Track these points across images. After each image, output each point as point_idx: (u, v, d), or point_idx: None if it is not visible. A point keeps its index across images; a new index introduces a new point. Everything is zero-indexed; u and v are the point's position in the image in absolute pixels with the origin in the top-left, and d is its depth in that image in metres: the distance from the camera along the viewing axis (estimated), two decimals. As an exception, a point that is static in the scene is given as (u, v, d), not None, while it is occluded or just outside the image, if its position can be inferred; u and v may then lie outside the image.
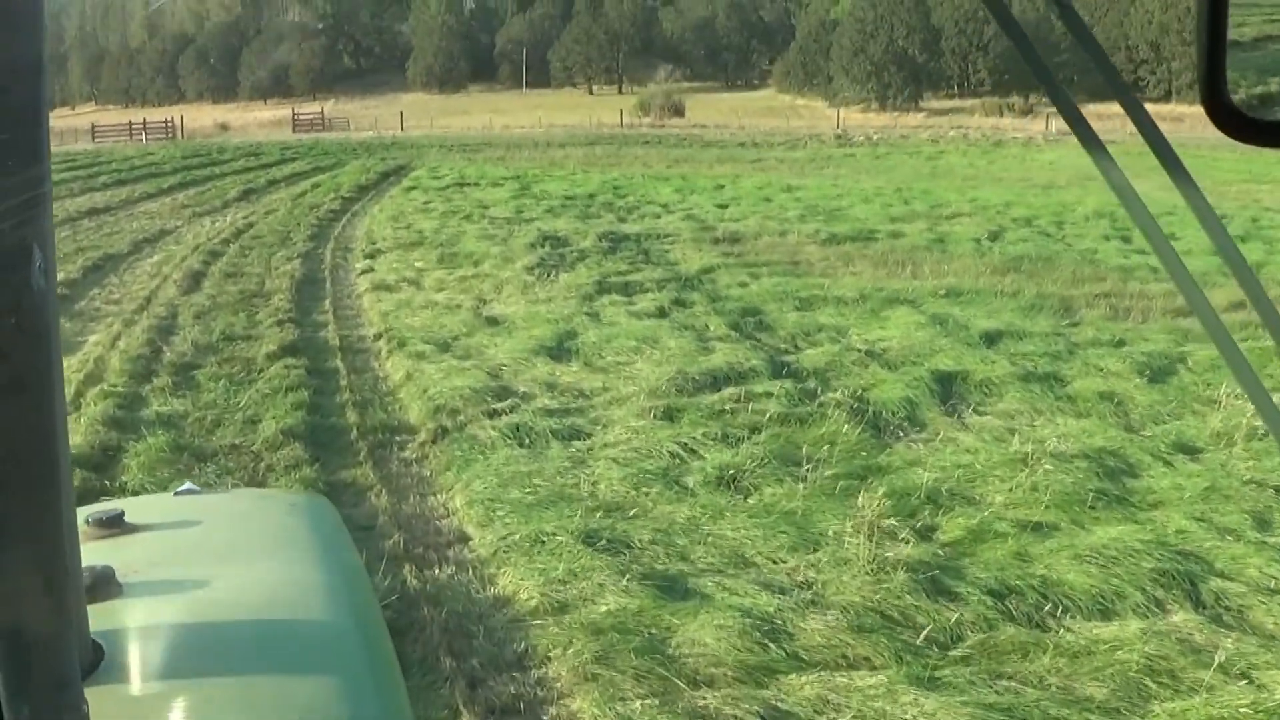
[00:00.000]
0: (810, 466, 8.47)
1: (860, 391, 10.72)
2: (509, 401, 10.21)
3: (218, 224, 23.76)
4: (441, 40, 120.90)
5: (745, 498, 8.01)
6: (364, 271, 17.67)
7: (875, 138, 59.92)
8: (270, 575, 2.13)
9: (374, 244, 20.39)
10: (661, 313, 14.24)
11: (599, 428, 9.57)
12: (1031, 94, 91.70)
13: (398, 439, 9.64)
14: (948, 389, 10.84)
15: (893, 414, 10.03)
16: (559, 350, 12.37)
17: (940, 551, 7.10)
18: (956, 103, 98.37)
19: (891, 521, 7.45)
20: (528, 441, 9.18)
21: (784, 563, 6.96)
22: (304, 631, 1.93)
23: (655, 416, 9.74)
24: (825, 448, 8.90)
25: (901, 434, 9.66)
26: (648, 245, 20.32)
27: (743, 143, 58.56)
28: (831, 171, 40.29)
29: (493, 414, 9.88)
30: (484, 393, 10.51)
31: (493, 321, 13.84)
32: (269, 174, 36.19)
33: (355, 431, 9.73)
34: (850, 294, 15.28)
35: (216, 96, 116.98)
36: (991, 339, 12.75)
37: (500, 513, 7.70)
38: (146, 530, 2.29)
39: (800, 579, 6.74)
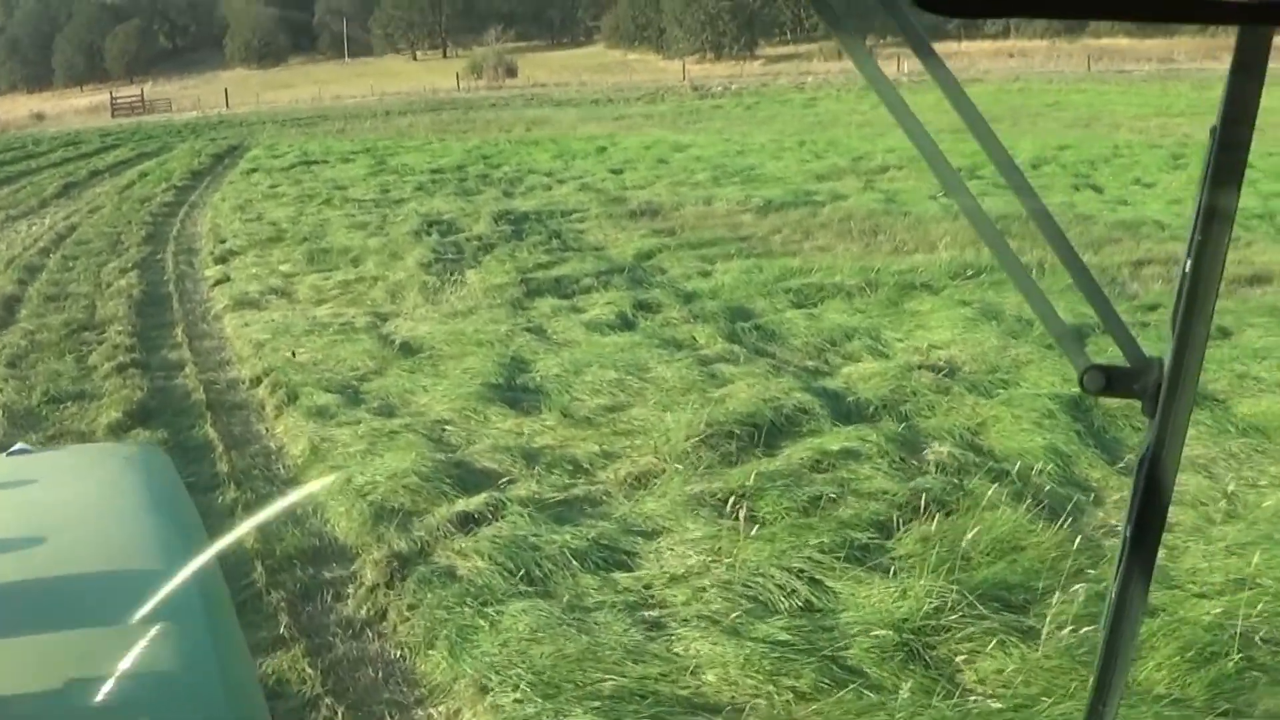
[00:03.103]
0: (1021, 604, 5.28)
1: (972, 436, 7.58)
2: (483, 495, 6.78)
3: (34, 229, 19.34)
4: (258, 13, 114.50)
5: (957, 686, 4.76)
6: (218, 282, 13.85)
7: (733, 88, 56.71)
8: (105, 529, 2.28)
9: (223, 242, 16.47)
10: (625, 323, 10.88)
11: (641, 540, 6.20)
12: (869, 35, 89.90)
13: (327, 576, 6.14)
14: (1085, 424, 7.74)
15: (1048, 477, 6.89)
16: (513, 391, 8.98)
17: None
18: (792, 48, 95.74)
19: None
20: (540, 576, 5.79)
21: None
22: (138, 583, 1.98)
23: (717, 511, 6.43)
24: (1013, 561, 5.72)
25: (1082, 516, 6.49)
26: (555, 225, 16.86)
27: (595, 100, 54.75)
28: (707, 125, 36.96)
29: (466, 521, 6.47)
30: (437, 478, 7.10)
31: (407, 349, 10.31)
32: (90, 164, 31.33)
33: (260, 566, 6.22)
34: (847, 280, 12.09)
35: (30, 86, 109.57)
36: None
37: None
38: None
39: None
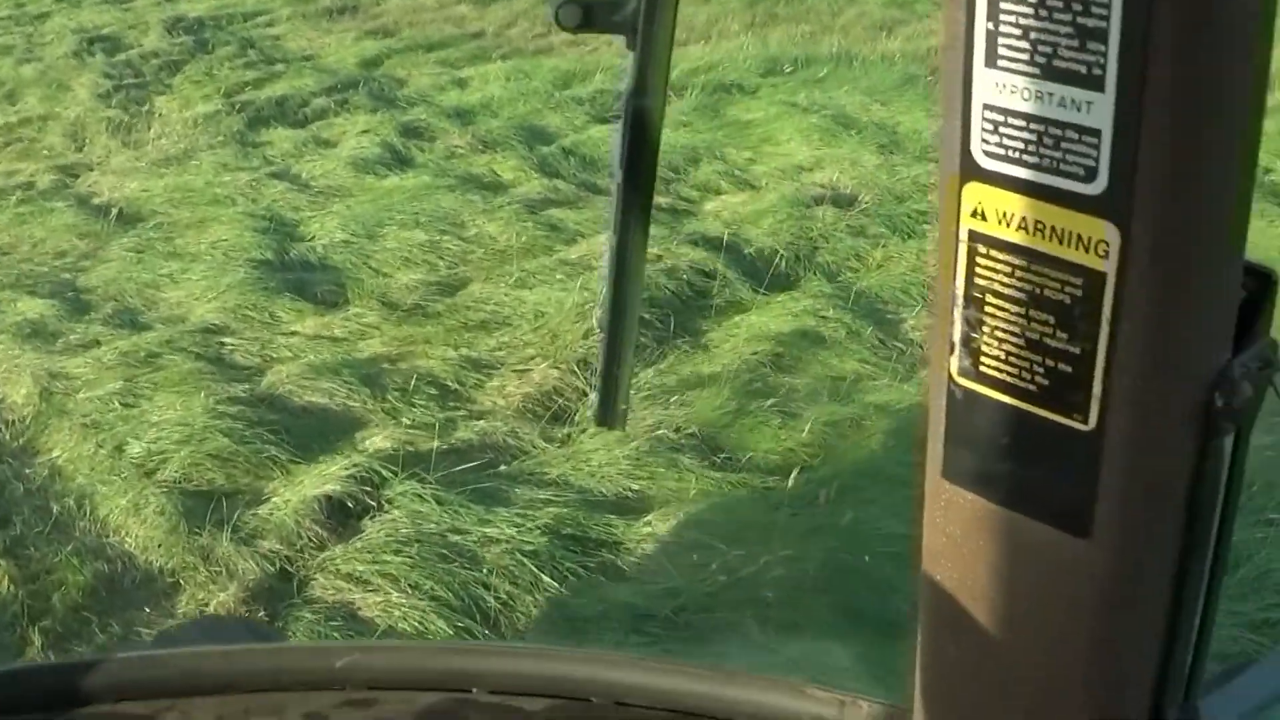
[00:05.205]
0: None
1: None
2: (337, 461, 4.66)
3: None
4: None
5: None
6: None
7: None
8: None
9: None
10: (399, 158, 8.59)
11: (619, 521, 4.25)
12: None
13: (148, 640, 3.98)
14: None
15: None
16: (293, 270, 6.74)
17: None
18: None
19: None
20: (498, 609, 3.79)
21: None
22: None
23: (699, 456, 4.54)
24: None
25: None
26: (244, 33, 14.07)
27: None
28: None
29: (334, 513, 4.37)
30: (251, 434, 4.93)
31: (123, 219, 7.81)
32: None
33: (35, 632, 3.97)
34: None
35: None
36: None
37: None
38: None
39: None
